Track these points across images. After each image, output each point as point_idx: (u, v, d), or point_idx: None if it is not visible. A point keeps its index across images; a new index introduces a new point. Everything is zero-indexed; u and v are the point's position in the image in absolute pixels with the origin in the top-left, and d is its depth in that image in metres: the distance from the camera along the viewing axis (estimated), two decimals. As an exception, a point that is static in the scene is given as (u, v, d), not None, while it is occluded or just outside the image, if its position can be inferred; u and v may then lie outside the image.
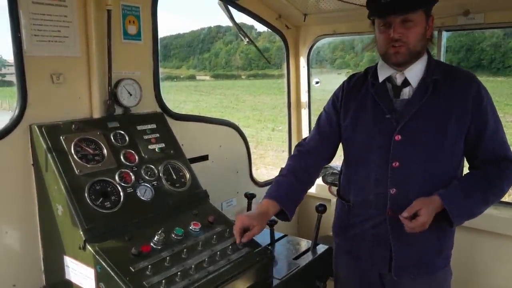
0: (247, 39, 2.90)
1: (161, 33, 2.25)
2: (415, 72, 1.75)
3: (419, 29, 1.67)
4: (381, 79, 1.81)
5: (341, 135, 1.94)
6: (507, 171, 1.73)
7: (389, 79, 1.80)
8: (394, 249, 1.80)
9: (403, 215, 1.64)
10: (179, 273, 1.52)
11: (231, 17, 2.72)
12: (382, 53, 1.75)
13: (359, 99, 1.87)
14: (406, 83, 1.76)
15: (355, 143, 1.89)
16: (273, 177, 3.30)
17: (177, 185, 1.95)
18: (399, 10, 1.63)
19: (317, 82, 3.33)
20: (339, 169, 3.02)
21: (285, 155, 3.49)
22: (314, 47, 3.29)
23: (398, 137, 1.73)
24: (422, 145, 1.71)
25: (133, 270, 1.48)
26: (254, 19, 2.94)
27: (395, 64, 1.74)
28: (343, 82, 1.99)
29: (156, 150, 1.98)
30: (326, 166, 3.11)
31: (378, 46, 1.76)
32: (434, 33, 1.83)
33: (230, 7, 2.70)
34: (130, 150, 1.90)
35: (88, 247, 1.55)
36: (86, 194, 1.65)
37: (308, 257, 2.10)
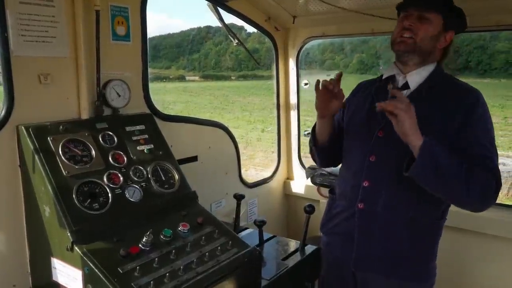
0: (237, 41, 2.91)
1: (150, 33, 2.25)
2: (417, 77, 1.80)
3: (431, 28, 1.73)
4: (384, 76, 1.89)
5: None
6: (486, 177, 1.61)
7: (392, 80, 1.85)
8: (356, 241, 1.82)
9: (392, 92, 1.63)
10: (167, 274, 1.52)
11: (221, 19, 2.72)
12: (392, 40, 1.81)
13: (361, 98, 1.96)
14: (406, 86, 1.81)
15: (348, 138, 1.98)
16: (262, 178, 3.33)
17: (166, 186, 1.95)
18: (418, 4, 1.73)
19: (306, 84, 3.35)
20: (328, 170, 3.07)
21: (275, 156, 3.51)
22: (304, 48, 3.31)
23: (380, 133, 1.79)
24: (400, 143, 1.67)
25: (121, 272, 1.48)
26: (243, 21, 2.95)
27: (399, 53, 1.79)
28: (356, 86, 2.09)
29: (145, 151, 1.98)
30: (315, 167, 3.14)
31: (392, 35, 1.83)
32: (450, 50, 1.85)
33: (219, 9, 2.70)
34: (119, 151, 1.89)
35: (76, 248, 1.54)
36: (74, 195, 1.64)
37: (297, 257, 2.12)
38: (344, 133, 2.00)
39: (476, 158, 1.63)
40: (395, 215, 1.77)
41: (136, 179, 1.86)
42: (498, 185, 1.63)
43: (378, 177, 1.78)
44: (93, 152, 1.81)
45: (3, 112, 1.71)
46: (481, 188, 1.61)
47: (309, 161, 2.98)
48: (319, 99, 1.85)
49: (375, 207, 1.79)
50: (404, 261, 1.80)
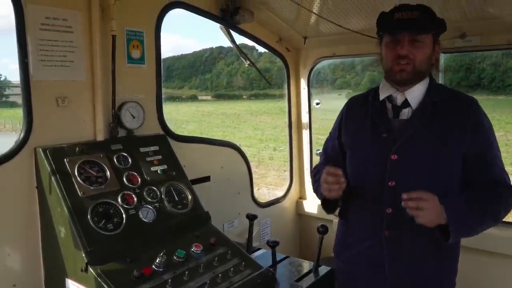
0: (248, 62, 2.95)
1: (164, 54, 2.30)
2: (415, 94, 1.77)
3: (426, 50, 1.71)
4: (381, 97, 1.83)
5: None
6: (504, 197, 1.72)
7: (390, 98, 1.82)
8: (388, 269, 1.79)
9: (409, 195, 1.58)
10: (180, 295, 1.52)
11: (233, 41, 2.77)
12: (387, 69, 1.77)
13: (359, 118, 1.89)
14: (406, 104, 1.78)
15: (354, 162, 1.91)
16: (275, 198, 3.32)
17: (179, 206, 1.96)
18: (411, 28, 1.68)
19: (317, 103, 3.37)
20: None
21: (287, 175, 3.51)
22: (315, 68, 3.34)
23: (394, 157, 1.74)
24: (418, 165, 1.71)
25: (134, 293, 1.48)
26: (255, 42, 3.00)
27: (399, 82, 1.76)
28: (345, 104, 2.02)
29: (159, 171, 2.00)
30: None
31: (384, 62, 1.78)
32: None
33: (231, 31, 2.76)
34: (133, 172, 1.91)
35: (90, 269, 1.55)
36: (89, 216, 1.66)
37: (310, 279, 2.09)
38: (349, 156, 1.94)
39: (496, 177, 1.74)
40: (421, 237, 1.75)
41: (149, 199, 1.88)
42: None
43: (400, 203, 1.74)
44: (108, 173, 1.84)
45: (22, 134, 1.76)
46: (505, 211, 1.73)
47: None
48: (333, 192, 1.76)
49: (401, 233, 1.76)
50: (433, 281, 1.80)
